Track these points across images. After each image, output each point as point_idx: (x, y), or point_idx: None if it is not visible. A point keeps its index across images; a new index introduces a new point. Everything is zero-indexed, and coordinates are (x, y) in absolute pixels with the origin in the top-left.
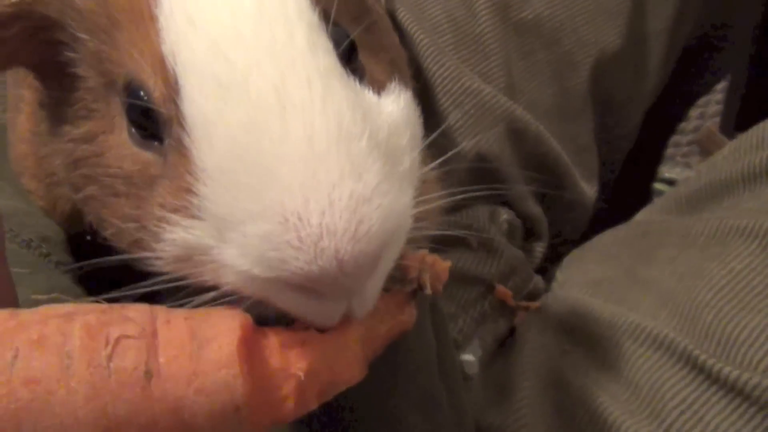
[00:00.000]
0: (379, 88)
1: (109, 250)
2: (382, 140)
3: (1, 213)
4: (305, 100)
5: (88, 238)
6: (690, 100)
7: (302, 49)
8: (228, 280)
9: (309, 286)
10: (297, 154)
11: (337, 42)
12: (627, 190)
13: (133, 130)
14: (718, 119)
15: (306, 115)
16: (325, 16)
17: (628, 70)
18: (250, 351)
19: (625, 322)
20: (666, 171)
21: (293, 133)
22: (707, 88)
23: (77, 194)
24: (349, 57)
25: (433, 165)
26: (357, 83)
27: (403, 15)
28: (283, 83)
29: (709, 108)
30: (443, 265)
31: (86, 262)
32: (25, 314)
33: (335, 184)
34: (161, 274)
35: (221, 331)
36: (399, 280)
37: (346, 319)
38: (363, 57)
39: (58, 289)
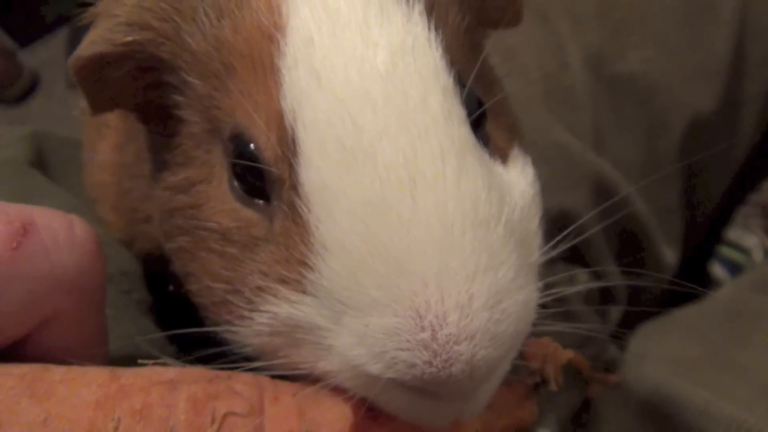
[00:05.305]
0: (502, 156)
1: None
2: (516, 225)
3: (106, 257)
4: (438, 176)
5: (171, 288)
6: None
7: (436, 115)
8: (331, 369)
9: (428, 388)
10: (429, 238)
11: (468, 108)
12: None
13: (236, 183)
14: None
15: (438, 193)
16: (459, 78)
17: (721, 133)
18: None
19: (720, 413)
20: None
21: (424, 213)
22: None
23: (169, 243)
24: (477, 124)
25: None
26: (488, 156)
27: (492, 60)
28: (414, 154)
29: None
30: (564, 354)
31: (172, 332)
32: (127, 377)
33: (473, 276)
34: (244, 345)
35: (332, 417)
36: (519, 369)
37: (463, 416)
38: (487, 123)
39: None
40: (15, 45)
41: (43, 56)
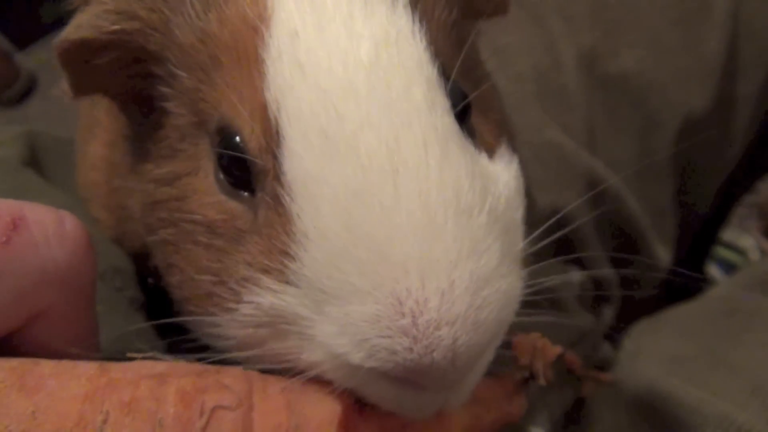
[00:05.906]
0: (488, 151)
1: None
2: (499, 214)
3: (96, 250)
4: (420, 164)
5: (151, 281)
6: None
7: (419, 105)
8: (314, 359)
9: (411, 378)
10: (411, 226)
11: (453, 100)
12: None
13: (221, 175)
14: None
15: (421, 181)
16: (444, 71)
17: (714, 133)
18: None
19: (712, 411)
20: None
21: (406, 201)
22: None
23: (150, 236)
24: (462, 117)
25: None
26: (472, 146)
27: (484, 58)
28: (397, 143)
29: None
30: (553, 350)
31: (158, 322)
32: (116, 371)
33: (455, 263)
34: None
35: (321, 411)
36: (507, 363)
37: (448, 406)
38: (473, 117)
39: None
40: (12, 47)
41: (41, 58)
